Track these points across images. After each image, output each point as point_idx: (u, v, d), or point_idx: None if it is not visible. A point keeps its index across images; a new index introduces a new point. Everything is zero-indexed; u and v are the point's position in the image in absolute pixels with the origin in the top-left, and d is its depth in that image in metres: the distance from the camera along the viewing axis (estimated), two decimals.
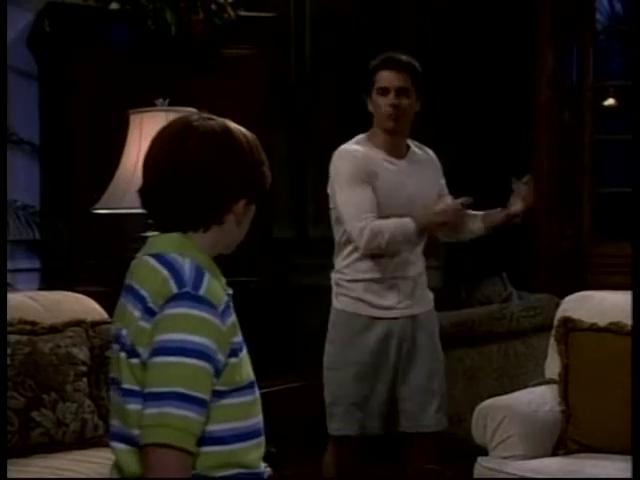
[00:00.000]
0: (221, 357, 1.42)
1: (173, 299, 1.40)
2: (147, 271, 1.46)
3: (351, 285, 2.76)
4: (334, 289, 2.81)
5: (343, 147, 2.77)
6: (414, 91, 2.72)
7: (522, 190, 2.80)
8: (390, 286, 2.74)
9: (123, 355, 1.44)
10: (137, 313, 1.43)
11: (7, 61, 3.89)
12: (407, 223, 2.67)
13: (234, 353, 1.45)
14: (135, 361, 1.42)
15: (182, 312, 1.40)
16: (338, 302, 2.79)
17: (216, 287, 1.46)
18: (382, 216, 2.69)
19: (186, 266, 1.44)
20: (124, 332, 1.45)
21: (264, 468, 1.52)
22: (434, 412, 2.76)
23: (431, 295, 2.86)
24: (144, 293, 1.44)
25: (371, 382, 2.74)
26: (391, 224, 2.66)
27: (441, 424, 2.79)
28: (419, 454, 2.82)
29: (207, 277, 1.45)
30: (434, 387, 2.76)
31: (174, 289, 1.41)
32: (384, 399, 2.76)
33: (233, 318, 1.47)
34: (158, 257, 1.47)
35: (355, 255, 2.75)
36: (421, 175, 2.78)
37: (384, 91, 2.70)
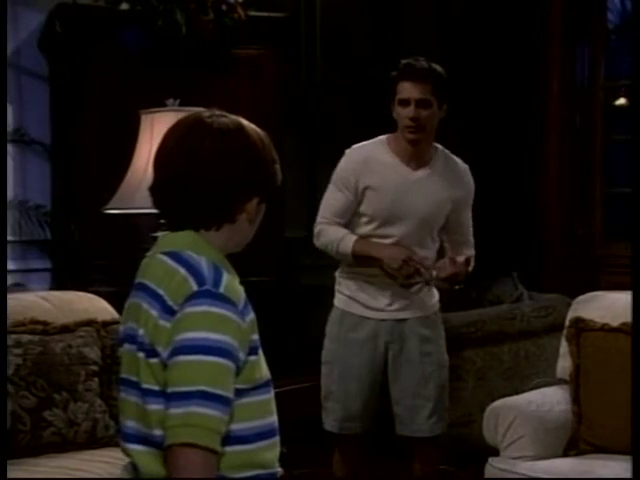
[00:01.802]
0: (241, 355, 1.41)
1: (193, 297, 1.39)
2: (163, 270, 1.45)
3: (346, 283, 2.81)
4: (335, 286, 2.85)
5: (354, 146, 2.80)
6: (435, 100, 2.67)
7: (447, 263, 2.68)
8: (382, 287, 2.74)
9: (141, 355, 1.42)
10: (155, 312, 1.41)
11: (19, 62, 3.91)
12: (347, 243, 2.70)
13: (254, 351, 1.44)
14: (154, 361, 1.40)
15: (203, 310, 1.38)
16: (335, 299, 2.84)
17: (234, 284, 1.45)
18: (377, 222, 2.71)
19: (203, 264, 1.43)
20: (141, 332, 1.43)
21: (278, 467, 1.51)
22: (426, 418, 2.76)
23: (435, 300, 2.83)
24: (161, 292, 1.42)
25: (356, 381, 2.76)
26: (332, 234, 2.72)
27: (435, 430, 2.77)
28: (419, 457, 2.82)
29: (225, 274, 1.44)
30: (427, 392, 2.75)
31: (194, 287, 1.40)
32: (371, 400, 2.78)
33: (252, 315, 1.46)
34: (173, 255, 1.46)
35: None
36: (432, 190, 2.73)
37: (404, 102, 2.68)
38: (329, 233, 2.73)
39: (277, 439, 1.49)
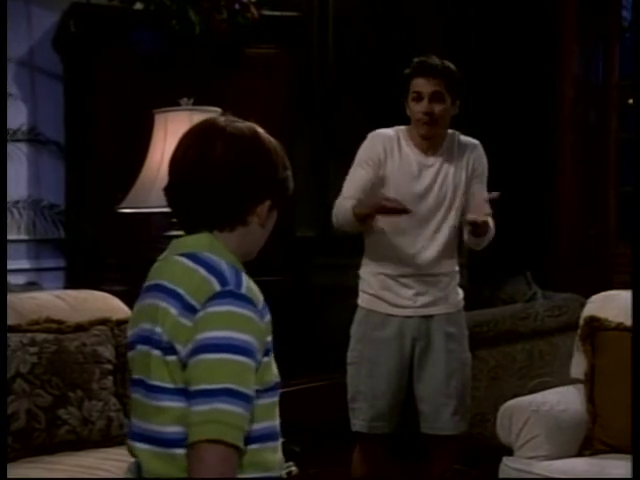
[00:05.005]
0: (260, 355, 1.42)
1: (216, 297, 1.40)
2: (181, 270, 1.46)
3: (369, 280, 2.81)
4: (359, 285, 2.85)
5: (377, 130, 2.82)
6: (449, 95, 2.71)
7: (478, 202, 2.66)
8: (406, 284, 2.75)
9: (157, 353, 1.43)
10: (174, 310, 1.42)
11: (33, 62, 3.93)
12: (348, 207, 2.68)
13: (267, 352, 1.46)
14: (172, 358, 1.41)
15: (227, 310, 1.40)
16: (359, 298, 2.84)
17: (253, 286, 1.47)
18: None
19: (223, 265, 1.45)
20: (158, 330, 1.43)
21: (281, 471, 1.51)
22: (450, 415, 2.75)
23: (459, 297, 2.84)
24: (181, 291, 1.43)
25: (385, 380, 2.75)
26: (342, 207, 2.70)
27: (458, 428, 2.77)
28: (438, 456, 2.82)
29: (244, 276, 1.46)
30: (451, 390, 2.75)
31: (217, 287, 1.41)
32: (398, 398, 2.78)
33: (269, 317, 1.47)
34: (191, 256, 1.47)
35: (372, 249, 2.79)
36: (446, 173, 2.76)
37: (418, 97, 2.71)
38: (340, 207, 2.71)
39: (279, 443, 1.50)
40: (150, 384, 1.44)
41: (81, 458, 2.48)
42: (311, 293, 4.22)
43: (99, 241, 3.73)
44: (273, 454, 1.47)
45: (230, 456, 1.35)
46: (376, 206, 2.62)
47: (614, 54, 4.38)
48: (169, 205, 1.56)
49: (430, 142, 2.76)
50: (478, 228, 2.65)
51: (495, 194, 2.66)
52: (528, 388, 3.06)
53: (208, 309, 1.40)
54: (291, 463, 1.54)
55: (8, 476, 2.09)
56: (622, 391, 2.72)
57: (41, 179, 3.92)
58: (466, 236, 2.79)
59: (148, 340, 1.46)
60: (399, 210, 2.59)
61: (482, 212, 2.61)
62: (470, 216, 2.64)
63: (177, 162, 1.54)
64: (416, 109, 2.71)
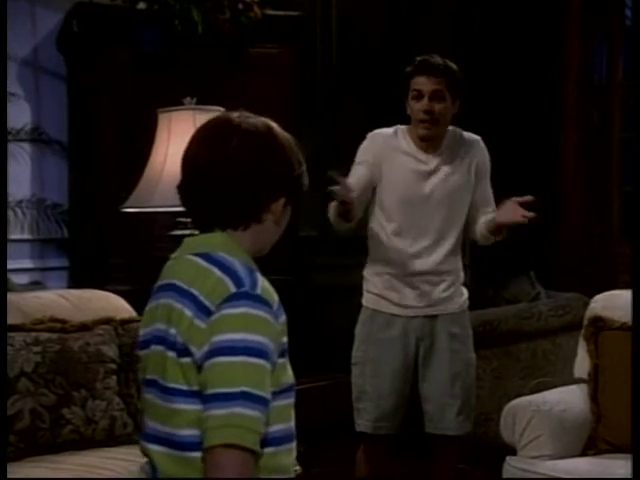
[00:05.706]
0: (275, 357, 1.41)
1: (232, 299, 1.38)
2: (194, 270, 1.44)
3: (373, 280, 2.81)
4: (363, 285, 2.85)
5: (376, 130, 2.83)
6: (449, 94, 2.71)
7: (509, 206, 2.62)
8: (409, 283, 2.75)
9: (172, 354, 1.41)
10: (189, 312, 1.41)
11: (36, 61, 3.93)
12: (333, 205, 2.67)
13: (282, 353, 1.44)
14: (186, 360, 1.40)
15: (242, 312, 1.38)
16: (364, 298, 2.84)
17: (268, 285, 1.45)
18: (397, 210, 2.73)
19: (237, 265, 1.43)
20: (173, 331, 1.42)
21: (292, 473, 1.50)
22: (455, 416, 2.75)
23: (464, 297, 2.84)
24: (195, 292, 1.41)
25: (389, 380, 2.75)
26: (330, 205, 2.70)
27: (462, 428, 2.77)
28: (443, 456, 2.82)
29: (259, 275, 1.44)
30: (455, 390, 2.76)
31: (232, 288, 1.39)
32: (403, 398, 2.78)
33: (284, 317, 1.45)
34: (205, 256, 1.45)
35: (375, 249, 2.80)
36: (449, 173, 2.76)
37: (418, 95, 2.71)
38: (330, 206, 2.72)
39: (294, 444, 1.49)
40: (165, 386, 1.42)
41: (85, 457, 2.49)
42: (314, 293, 4.21)
43: (103, 241, 3.73)
44: (288, 456, 1.46)
45: (247, 460, 1.34)
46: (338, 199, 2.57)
47: (617, 53, 4.38)
48: (182, 204, 1.53)
49: (428, 143, 2.76)
50: (503, 228, 2.65)
51: (529, 198, 2.63)
52: (529, 388, 3.06)
53: (223, 311, 1.38)
54: (295, 462, 1.54)
55: (13, 475, 2.10)
56: (626, 391, 2.71)
57: (44, 179, 3.93)
58: (480, 233, 2.78)
59: (163, 340, 1.45)
60: (345, 201, 2.56)
61: (517, 214, 2.58)
62: (502, 218, 2.62)
63: (191, 159, 1.51)
64: (416, 107, 2.71)
